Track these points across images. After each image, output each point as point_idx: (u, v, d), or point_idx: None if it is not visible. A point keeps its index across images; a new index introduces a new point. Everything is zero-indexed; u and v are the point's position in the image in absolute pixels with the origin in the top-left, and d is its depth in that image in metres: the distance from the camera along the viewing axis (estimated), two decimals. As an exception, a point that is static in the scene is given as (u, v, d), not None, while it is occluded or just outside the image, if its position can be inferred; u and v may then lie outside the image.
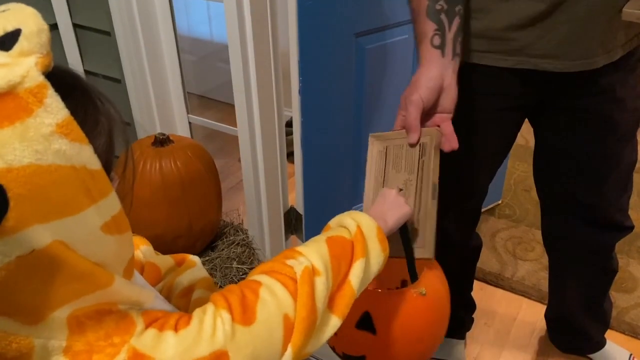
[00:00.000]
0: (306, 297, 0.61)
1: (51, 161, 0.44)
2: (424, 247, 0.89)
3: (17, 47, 0.44)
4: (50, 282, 0.46)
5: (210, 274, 1.66)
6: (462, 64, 1.05)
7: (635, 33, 1.03)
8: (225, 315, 0.56)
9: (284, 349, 0.59)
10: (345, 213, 0.77)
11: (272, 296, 0.60)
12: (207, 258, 1.69)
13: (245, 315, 0.57)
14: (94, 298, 0.50)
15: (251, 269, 1.65)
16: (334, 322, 0.66)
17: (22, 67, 0.44)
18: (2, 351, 0.47)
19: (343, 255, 0.69)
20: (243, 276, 1.62)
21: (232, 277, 1.60)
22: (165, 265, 0.79)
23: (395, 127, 0.95)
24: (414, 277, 0.91)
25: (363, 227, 0.73)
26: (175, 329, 0.54)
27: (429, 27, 0.93)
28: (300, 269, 0.63)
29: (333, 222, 0.76)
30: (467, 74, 1.07)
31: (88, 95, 0.51)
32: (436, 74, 0.93)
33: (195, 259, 0.81)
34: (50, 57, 0.46)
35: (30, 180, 0.43)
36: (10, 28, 0.45)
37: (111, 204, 0.50)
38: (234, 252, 1.70)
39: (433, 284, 0.93)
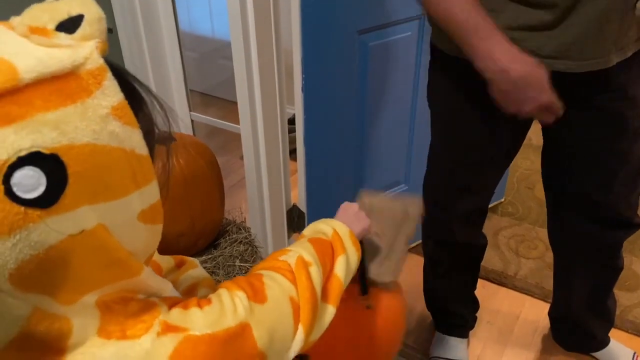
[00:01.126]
0: (305, 280, 0.66)
1: (106, 142, 0.45)
2: (392, 273, 0.95)
3: (80, 31, 0.46)
4: (91, 264, 0.47)
5: (213, 272, 1.66)
6: (474, 64, 1.04)
7: None
8: (241, 294, 0.59)
9: (296, 327, 0.63)
10: (317, 221, 0.82)
11: (275, 282, 0.64)
12: (209, 256, 1.69)
13: (257, 296, 0.60)
14: (120, 286, 0.51)
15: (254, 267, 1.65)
16: (330, 310, 0.71)
17: (85, 49, 0.46)
18: (45, 330, 0.48)
19: (326, 252, 0.74)
20: (245, 274, 1.62)
21: (234, 275, 1.60)
22: (167, 265, 0.80)
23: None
24: (364, 290, 0.94)
25: (338, 230, 0.79)
26: (199, 306, 0.56)
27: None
28: (293, 260, 0.68)
29: (307, 231, 0.81)
30: (479, 74, 1.06)
31: (132, 84, 0.53)
32: None
33: (195, 261, 0.83)
34: (107, 44, 0.48)
35: (88, 159, 0.44)
36: (74, 13, 0.47)
37: (152, 192, 0.51)
38: (236, 250, 1.70)
39: (384, 301, 0.96)
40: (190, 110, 1.94)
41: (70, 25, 0.46)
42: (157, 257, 0.80)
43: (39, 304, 0.47)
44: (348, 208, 0.88)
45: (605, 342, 1.54)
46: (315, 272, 0.68)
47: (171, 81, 1.84)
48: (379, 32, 1.50)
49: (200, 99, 2.99)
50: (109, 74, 0.47)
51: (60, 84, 0.44)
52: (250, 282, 0.63)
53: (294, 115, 1.51)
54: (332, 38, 1.42)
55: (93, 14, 0.47)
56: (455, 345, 1.57)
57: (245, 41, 1.45)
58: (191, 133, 1.98)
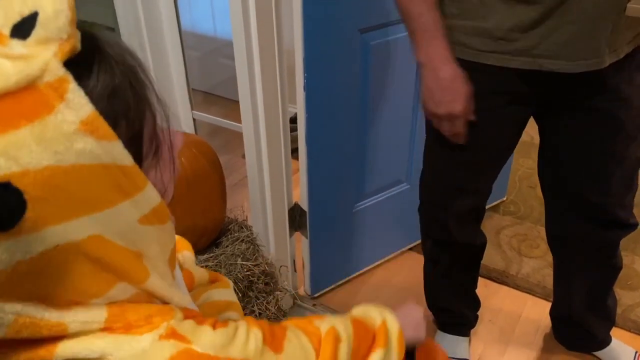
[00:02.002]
0: (329, 354, 0.60)
1: (73, 161, 0.41)
2: None
3: (33, 35, 0.40)
4: (82, 273, 0.44)
5: (215, 271, 1.66)
6: (468, 63, 1.05)
7: None
8: (258, 332, 0.55)
9: None
10: (372, 306, 0.74)
11: (297, 339, 0.59)
12: (211, 255, 1.69)
13: (274, 343, 0.56)
14: (129, 289, 0.48)
15: (255, 265, 1.65)
16: None
17: (41, 59, 0.40)
18: (29, 335, 0.45)
19: (364, 338, 0.67)
20: (247, 273, 1.62)
21: (236, 274, 1.60)
22: (200, 278, 0.77)
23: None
24: None
25: (388, 324, 0.70)
26: (213, 327, 0.53)
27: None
28: (325, 328, 0.62)
29: (357, 310, 0.73)
30: (473, 73, 1.06)
31: (119, 79, 0.46)
32: None
33: (229, 282, 0.80)
34: (73, 39, 0.42)
35: (48, 183, 0.40)
36: (27, 12, 0.40)
37: (149, 197, 0.47)
38: (238, 248, 1.70)
39: None
40: (192, 109, 1.94)
41: (24, 27, 0.40)
42: (192, 267, 0.77)
43: (21, 312, 0.44)
44: (412, 311, 0.79)
45: (606, 342, 1.54)
46: (343, 352, 0.61)
47: (173, 80, 1.84)
48: (381, 31, 1.50)
49: (202, 97, 2.99)
50: (73, 85, 0.41)
51: (12, 102, 0.39)
52: (272, 329, 0.58)
53: (295, 114, 1.51)
54: (334, 37, 1.42)
55: (47, 11, 0.40)
56: (456, 344, 1.58)
57: (247, 40, 1.44)
58: (193, 132, 1.99)
